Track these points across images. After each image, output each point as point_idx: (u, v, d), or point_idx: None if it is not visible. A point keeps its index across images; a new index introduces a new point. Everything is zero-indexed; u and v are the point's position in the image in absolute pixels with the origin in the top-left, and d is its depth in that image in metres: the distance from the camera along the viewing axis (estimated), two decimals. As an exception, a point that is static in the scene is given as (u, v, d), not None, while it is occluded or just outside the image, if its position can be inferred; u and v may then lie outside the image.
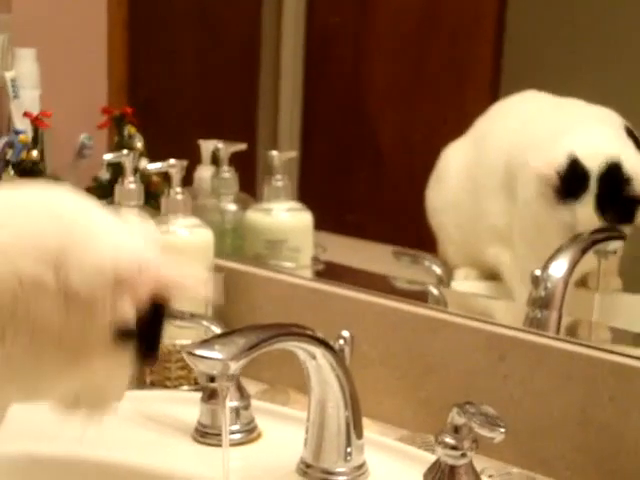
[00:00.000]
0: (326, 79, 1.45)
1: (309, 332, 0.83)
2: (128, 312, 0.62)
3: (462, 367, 0.99)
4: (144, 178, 1.24)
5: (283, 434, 0.96)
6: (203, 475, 0.88)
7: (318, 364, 0.84)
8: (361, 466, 0.89)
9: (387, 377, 1.05)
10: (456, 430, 0.79)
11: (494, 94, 1.26)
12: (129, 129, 1.34)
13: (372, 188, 1.39)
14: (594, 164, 1.04)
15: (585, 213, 1.05)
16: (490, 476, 0.88)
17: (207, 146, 1.38)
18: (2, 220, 0.62)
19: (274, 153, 1.21)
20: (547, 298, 1.06)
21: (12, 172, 1.23)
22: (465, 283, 1.21)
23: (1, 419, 0.67)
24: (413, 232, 1.32)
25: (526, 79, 1.22)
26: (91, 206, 0.65)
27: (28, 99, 1.37)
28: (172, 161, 1.10)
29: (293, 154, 1.24)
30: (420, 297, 1.15)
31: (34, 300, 0.60)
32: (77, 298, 0.61)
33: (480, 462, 0.81)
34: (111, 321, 0.62)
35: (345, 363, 0.87)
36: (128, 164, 1.15)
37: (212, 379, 0.77)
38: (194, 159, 1.35)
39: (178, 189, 1.10)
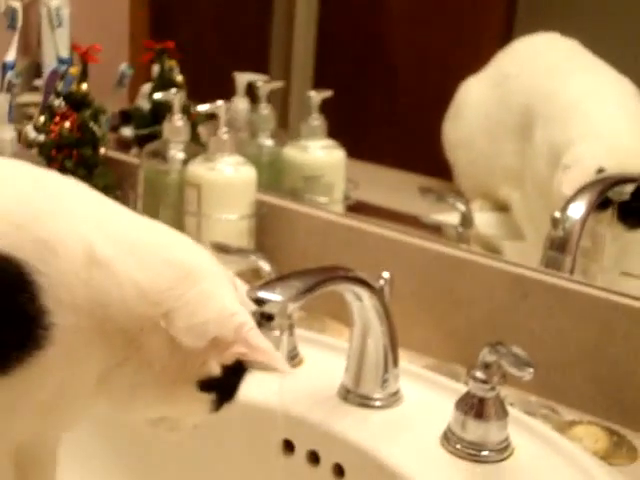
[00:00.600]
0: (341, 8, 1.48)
1: (358, 276, 0.91)
2: (215, 369, 0.72)
3: (487, 304, 1.08)
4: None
5: (323, 361, 1.05)
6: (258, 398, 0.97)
7: (363, 305, 0.93)
8: (396, 393, 0.98)
9: (416, 309, 1.14)
10: (486, 366, 0.89)
11: (510, 19, 1.31)
12: (169, 62, 1.41)
13: (387, 114, 1.43)
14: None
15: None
16: (511, 404, 0.97)
17: (242, 79, 1.45)
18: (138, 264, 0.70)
19: (312, 93, 1.28)
20: (565, 239, 1.14)
21: (63, 103, 1.29)
22: (480, 214, 1.29)
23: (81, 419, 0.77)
24: (431, 160, 1.38)
25: (543, 6, 1.27)
26: (203, 257, 0.74)
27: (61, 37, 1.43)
28: (219, 102, 1.16)
29: (328, 93, 1.30)
30: (445, 233, 1.24)
31: (151, 337, 0.70)
32: (178, 345, 0.70)
33: (502, 391, 0.90)
34: (199, 372, 0.72)
35: (385, 301, 0.96)
36: (177, 102, 1.22)
37: (269, 317, 0.85)
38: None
39: (224, 129, 1.17)
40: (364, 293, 0.91)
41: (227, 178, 1.18)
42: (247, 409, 0.97)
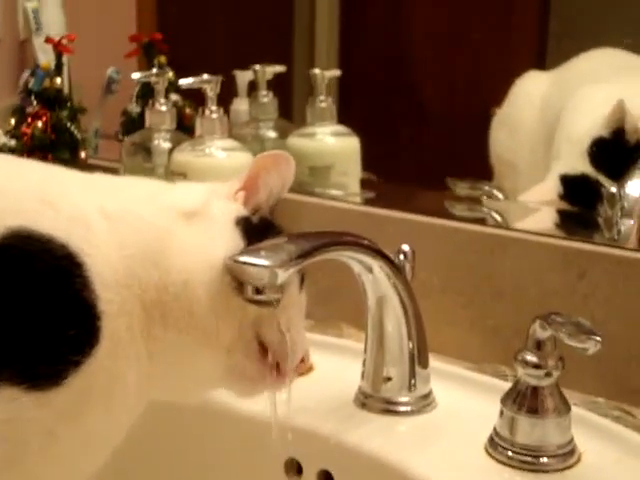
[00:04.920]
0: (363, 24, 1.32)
1: (365, 242, 0.73)
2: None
3: (535, 288, 0.89)
4: (177, 111, 1.15)
5: (337, 366, 0.86)
6: (246, 408, 0.79)
7: (375, 278, 0.74)
8: (427, 395, 0.79)
9: (450, 305, 0.95)
10: (539, 346, 0.69)
11: (542, 41, 1.15)
12: (159, 59, 1.25)
13: (414, 137, 1.26)
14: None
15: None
16: (574, 404, 0.77)
17: (243, 77, 1.28)
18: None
19: (316, 71, 1.11)
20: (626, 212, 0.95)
21: (35, 102, 1.14)
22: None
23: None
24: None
25: (576, 24, 1.11)
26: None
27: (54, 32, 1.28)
28: (206, 76, 1.00)
29: (337, 72, 1.13)
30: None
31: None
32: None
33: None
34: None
35: (407, 279, 0.77)
36: (159, 85, 1.05)
37: (259, 291, 0.67)
38: (229, 93, 1.25)
39: (213, 107, 1.00)
40: (374, 263, 0.73)
41: (218, 164, 1.00)
42: (245, 422, 0.78)
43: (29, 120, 1.14)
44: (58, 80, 1.14)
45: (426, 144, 1.22)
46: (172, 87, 1.19)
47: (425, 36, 1.23)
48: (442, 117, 1.21)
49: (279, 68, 1.18)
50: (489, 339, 0.92)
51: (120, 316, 0.61)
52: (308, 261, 0.67)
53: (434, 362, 0.81)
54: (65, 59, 1.18)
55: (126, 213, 0.64)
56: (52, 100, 1.14)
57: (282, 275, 0.65)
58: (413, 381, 0.78)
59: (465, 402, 0.79)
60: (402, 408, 0.78)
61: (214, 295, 0.64)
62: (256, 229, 0.68)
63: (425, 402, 0.78)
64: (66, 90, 1.19)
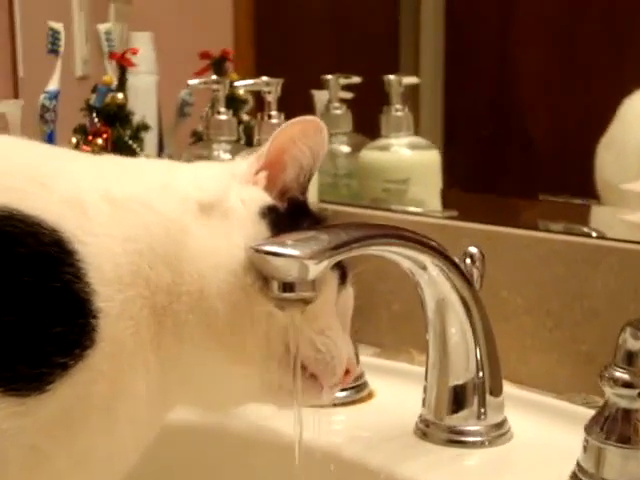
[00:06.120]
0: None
1: (417, 236, 0.62)
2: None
3: (636, 305, 0.76)
4: (246, 130, 1.07)
5: (401, 393, 0.75)
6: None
7: (430, 276, 0.63)
8: (500, 425, 0.67)
9: (536, 329, 0.83)
10: (630, 359, 0.57)
11: None
12: (231, 76, 1.17)
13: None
14: None
15: None
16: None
17: (321, 97, 1.20)
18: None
19: (391, 77, 1.01)
20: None
21: (96, 119, 1.08)
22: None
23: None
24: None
25: None
26: None
27: (145, 84, 1.22)
28: (265, 78, 0.91)
29: (414, 80, 1.04)
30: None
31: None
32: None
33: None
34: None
35: (473, 285, 0.65)
36: (219, 93, 0.97)
37: (288, 288, 0.57)
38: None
39: (273, 113, 0.92)
40: (427, 260, 0.62)
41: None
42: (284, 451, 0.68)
43: (89, 138, 1.08)
44: (120, 95, 1.08)
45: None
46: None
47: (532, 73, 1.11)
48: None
49: (354, 79, 1.09)
50: (580, 366, 0.79)
51: (123, 318, 0.52)
52: (345, 254, 0.57)
53: (509, 387, 0.69)
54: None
55: (134, 200, 0.55)
56: (113, 116, 1.08)
57: (314, 268, 0.55)
58: (482, 409, 0.66)
59: (546, 433, 0.67)
60: (470, 438, 0.66)
61: (235, 305, 0.55)
62: (286, 218, 0.58)
63: (498, 432, 0.66)
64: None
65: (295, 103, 1.14)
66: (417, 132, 1.04)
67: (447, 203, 1.04)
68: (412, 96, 1.07)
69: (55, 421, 0.50)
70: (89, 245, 0.51)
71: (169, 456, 0.69)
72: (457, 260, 0.64)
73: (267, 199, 0.58)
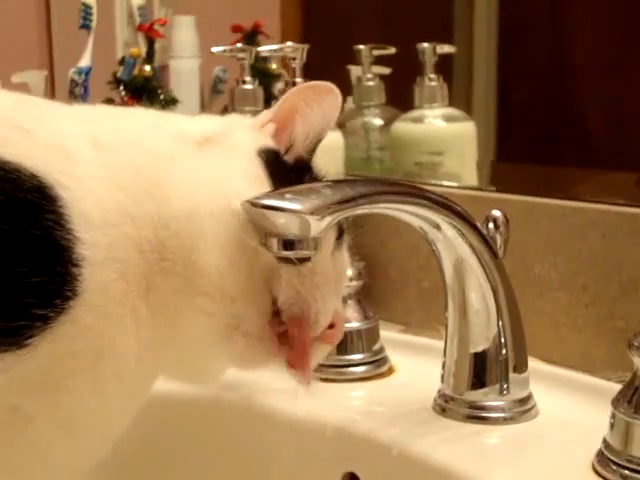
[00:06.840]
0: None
1: (432, 194, 0.57)
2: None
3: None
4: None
5: (422, 368, 0.70)
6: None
7: (445, 237, 0.59)
8: (525, 400, 0.62)
9: (571, 305, 0.78)
10: (661, 326, 0.52)
11: None
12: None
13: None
14: None
15: None
16: None
17: (357, 73, 1.16)
18: None
19: (425, 45, 0.97)
20: None
21: (123, 92, 1.05)
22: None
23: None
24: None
25: None
26: None
27: (188, 69, 1.19)
28: (290, 43, 0.88)
29: (451, 49, 0.99)
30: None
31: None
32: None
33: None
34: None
35: (496, 251, 0.61)
36: (245, 62, 0.94)
37: (288, 246, 0.53)
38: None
39: (298, 80, 0.88)
40: (439, 219, 0.57)
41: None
42: (298, 429, 0.64)
43: (117, 112, 1.06)
44: (147, 68, 1.06)
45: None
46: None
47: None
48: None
49: (389, 50, 1.05)
50: (618, 344, 0.74)
51: (109, 263, 0.49)
52: (350, 211, 0.53)
53: (536, 362, 0.65)
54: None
55: (122, 142, 0.52)
56: (140, 89, 1.05)
57: (316, 225, 0.51)
58: (505, 384, 0.62)
59: (575, 409, 0.62)
60: (492, 414, 0.61)
61: (222, 231, 0.52)
62: (286, 169, 0.55)
63: (521, 408, 0.62)
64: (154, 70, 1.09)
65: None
66: (469, 105, 1.01)
67: (492, 178, 0.99)
68: (467, 68, 1.03)
69: (36, 380, 0.47)
70: (73, 190, 0.48)
71: (164, 430, 0.66)
72: (478, 224, 0.60)
73: (269, 142, 0.56)
